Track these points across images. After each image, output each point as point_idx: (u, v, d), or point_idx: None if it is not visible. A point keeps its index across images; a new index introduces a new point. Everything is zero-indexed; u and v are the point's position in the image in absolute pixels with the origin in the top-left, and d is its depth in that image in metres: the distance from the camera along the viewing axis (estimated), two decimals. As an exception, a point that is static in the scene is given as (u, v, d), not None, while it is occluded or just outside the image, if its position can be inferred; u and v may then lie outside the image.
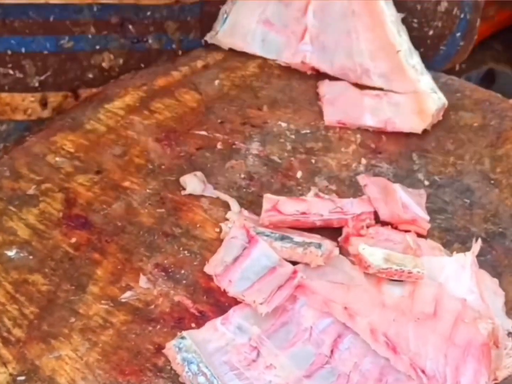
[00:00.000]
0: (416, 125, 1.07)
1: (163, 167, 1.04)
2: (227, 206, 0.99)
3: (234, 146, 1.07)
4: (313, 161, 1.05)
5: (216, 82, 1.15)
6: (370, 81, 1.11)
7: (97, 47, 1.23)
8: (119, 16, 1.21)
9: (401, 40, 1.10)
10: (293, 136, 1.08)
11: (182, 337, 0.84)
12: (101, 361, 0.85)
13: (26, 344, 0.86)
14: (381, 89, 1.11)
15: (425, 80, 1.08)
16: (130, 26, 1.22)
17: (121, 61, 1.24)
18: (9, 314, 0.88)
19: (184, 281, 0.92)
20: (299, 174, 1.04)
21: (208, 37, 1.14)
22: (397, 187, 0.98)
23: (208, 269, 0.90)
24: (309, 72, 1.12)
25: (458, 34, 1.27)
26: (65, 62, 1.22)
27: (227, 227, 0.95)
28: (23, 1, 1.16)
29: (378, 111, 1.09)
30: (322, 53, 1.11)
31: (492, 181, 1.03)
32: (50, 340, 0.86)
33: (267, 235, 0.91)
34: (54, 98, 1.25)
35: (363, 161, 1.05)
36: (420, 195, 0.98)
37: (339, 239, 0.94)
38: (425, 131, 1.08)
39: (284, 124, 1.10)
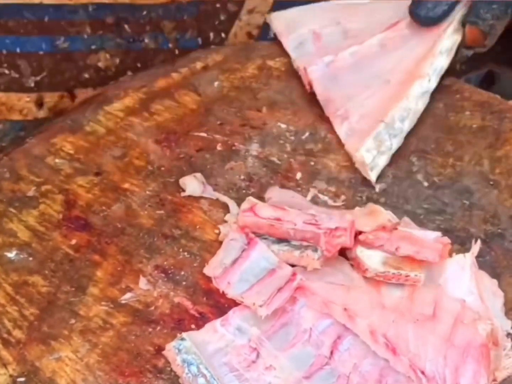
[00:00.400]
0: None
1: (162, 168, 1.04)
2: (226, 208, 0.99)
3: (233, 148, 1.07)
4: (312, 162, 1.05)
5: (216, 83, 1.15)
6: None
7: (93, 47, 1.23)
8: (114, 16, 1.21)
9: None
10: (292, 138, 1.08)
11: (182, 339, 0.84)
12: (101, 363, 0.85)
13: (26, 346, 0.86)
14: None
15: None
16: (126, 26, 1.22)
17: (117, 60, 1.24)
18: (9, 316, 0.88)
19: (184, 283, 0.92)
20: (298, 175, 1.04)
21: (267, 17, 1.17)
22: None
23: (208, 271, 0.90)
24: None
25: None
26: (60, 62, 1.22)
27: (226, 229, 0.96)
28: (17, 1, 1.16)
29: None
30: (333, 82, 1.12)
31: (491, 182, 1.03)
32: (50, 342, 0.86)
33: (265, 238, 0.91)
34: (50, 98, 1.25)
35: (363, 162, 1.05)
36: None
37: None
38: (424, 133, 1.08)
39: (283, 126, 1.10)
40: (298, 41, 1.16)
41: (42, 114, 1.25)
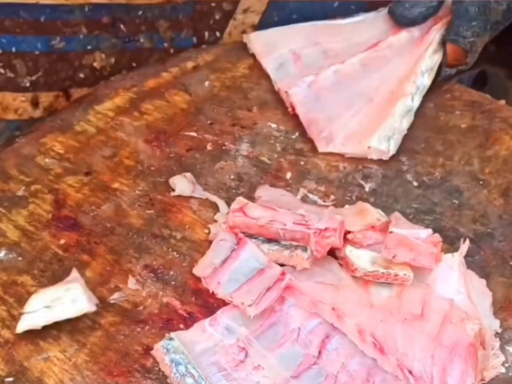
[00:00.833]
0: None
1: (152, 168, 1.04)
2: (216, 207, 0.99)
3: (223, 147, 1.07)
4: (302, 162, 1.05)
5: (206, 83, 1.15)
6: None
7: (89, 47, 1.22)
8: (110, 16, 1.21)
9: None
10: (282, 137, 1.08)
11: (170, 338, 0.84)
12: (89, 362, 0.85)
13: (15, 346, 0.86)
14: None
15: None
16: (122, 26, 1.22)
17: (112, 60, 1.24)
18: (-3, 316, 0.89)
19: (173, 282, 0.92)
20: (288, 175, 1.04)
21: (244, 37, 1.15)
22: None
23: (197, 271, 0.90)
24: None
25: None
26: (56, 62, 1.22)
27: (216, 229, 0.96)
28: (14, 1, 1.16)
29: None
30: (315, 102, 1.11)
31: (481, 182, 1.03)
32: (39, 342, 0.86)
33: (255, 238, 0.91)
34: (45, 98, 1.25)
35: (352, 162, 1.05)
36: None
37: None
38: (414, 132, 1.08)
39: (273, 125, 1.10)
40: (278, 62, 1.15)
41: (37, 113, 1.25)
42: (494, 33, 1.12)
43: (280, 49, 1.16)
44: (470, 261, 0.93)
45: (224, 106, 1.12)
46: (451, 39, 1.10)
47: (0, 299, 0.90)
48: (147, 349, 0.86)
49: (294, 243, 0.91)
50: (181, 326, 0.88)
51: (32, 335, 0.87)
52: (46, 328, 0.87)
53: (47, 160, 1.04)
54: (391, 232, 0.93)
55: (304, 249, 0.90)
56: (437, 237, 0.94)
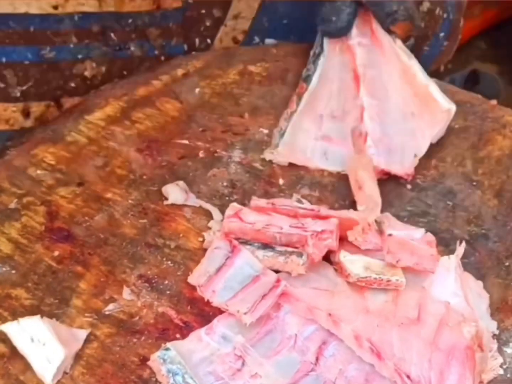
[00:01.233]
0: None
1: (145, 177, 1.03)
2: (210, 215, 0.99)
3: (216, 154, 1.07)
4: (295, 168, 1.05)
5: (197, 90, 1.15)
6: None
7: (79, 56, 1.22)
8: (100, 25, 1.21)
9: None
10: (275, 143, 1.08)
11: (167, 349, 0.84)
12: (85, 375, 0.85)
13: (10, 360, 0.86)
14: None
15: None
16: (112, 34, 1.22)
17: (103, 69, 1.24)
18: (-8, 330, 0.88)
19: (168, 292, 0.91)
20: (281, 181, 1.04)
21: (266, 155, 1.06)
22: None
23: (192, 280, 0.90)
24: (378, 177, 1.02)
25: (442, 35, 1.27)
26: (47, 72, 1.22)
27: (210, 236, 0.95)
28: (3, 11, 1.16)
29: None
30: (389, 155, 1.05)
31: (474, 183, 1.03)
32: (34, 355, 0.86)
33: (250, 244, 0.91)
34: (36, 107, 1.25)
35: (346, 166, 1.05)
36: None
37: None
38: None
39: (266, 131, 1.10)
40: (321, 153, 1.08)
41: (28, 123, 1.25)
42: None
43: (309, 143, 1.09)
44: (466, 263, 0.93)
45: (215, 113, 1.12)
46: (387, 25, 1.09)
47: (-6, 313, 0.90)
48: (144, 360, 0.85)
49: (289, 249, 0.91)
50: (177, 335, 0.87)
51: (27, 348, 0.86)
52: (41, 341, 0.86)
53: (38, 171, 1.04)
54: (390, 235, 0.92)
55: (299, 254, 0.90)
56: (430, 236, 0.94)
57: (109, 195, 1.01)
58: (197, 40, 1.27)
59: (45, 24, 1.18)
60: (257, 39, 1.28)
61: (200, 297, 0.89)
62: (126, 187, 1.02)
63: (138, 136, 1.08)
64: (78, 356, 0.86)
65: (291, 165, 1.06)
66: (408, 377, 0.81)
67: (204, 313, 0.89)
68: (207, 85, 1.16)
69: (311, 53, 1.13)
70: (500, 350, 0.87)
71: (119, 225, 0.98)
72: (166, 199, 1.01)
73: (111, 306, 0.90)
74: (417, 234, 0.94)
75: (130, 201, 1.01)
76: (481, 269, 0.94)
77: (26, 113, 1.25)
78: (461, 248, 0.93)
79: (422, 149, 1.05)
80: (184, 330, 0.88)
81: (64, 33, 1.20)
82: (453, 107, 1.07)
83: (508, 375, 0.85)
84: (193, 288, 0.90)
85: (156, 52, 1.26)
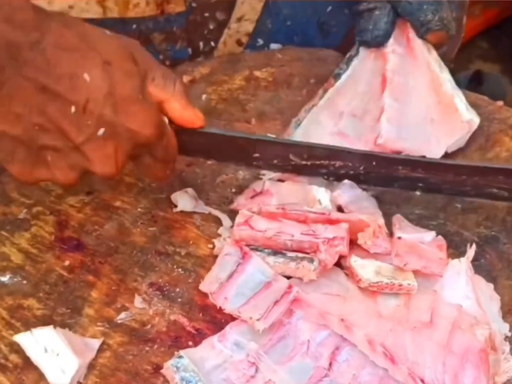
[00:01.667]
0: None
1: (153, 185, 1.03)
2: (219, 222, 0.99)
3: (224, 161, 1.07)
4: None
5: (204, 96, 1.15)
6: None
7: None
8: (105, 31, 1.21)
9: None
10: (282, 148, 1.08)
11: (180, 356, 0.84)
12: (99, 384, 0.85)
13: (24, 370, 0.86)
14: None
15: None
16: (116, 40, 1.22)
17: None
18: (5, 341, 0.88)
19: (179, 299, 0.92)
20: (289, 186, 1.03)
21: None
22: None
23: (204, 287, 0.90)
24: None
25: None
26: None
27: (220, 243, 0.95)
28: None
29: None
30: None
31: (483, 185, 1.03)
32: (48, 365, 0.86)
33: (260, 251, 0.91)
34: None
35: (354, 170, 1.05)
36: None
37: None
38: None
39: (273, 136, 1.10)
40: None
41: None
42: None
43: (323, 138, 1.07)
44: (476, 265, 0.93)
45: (222, 119, 1.12)
46: (421, 34, 1.09)
47: (7, 324, 0.90)
48: (157, 368, 0.85)
49: (300, 254, 0.91)
50: (190, 343, 0.88)
51: (40, 359, 0.86)
52: (54, 351, 0.87)
53: (47, 181, 1.04)
54: (399, 237, 0.92)
55: (310, 260, 0.90)
56: (441, 239, 0.94)
57: (118, 204, 1.01)
58: (201, 44, 1.27)
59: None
60: (261, 41, 1.28)
61: (212, 304, 0.89)
62: (135, 195, 1.02)
63: (146, 144, 1.08)
64: (91, 366, 0.86)
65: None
66: (422, 381, 0.81)
67: (216, 320, 0.89)
68: (213, 91, 1.16)
69: (347, 54, 1.13)
70: (512, 352, 0.87)
71: (129, 233, 0.98)
72: (175, 206, 1.01)
73: (123, 315, 0.90)
74: (427, 237, 0.94)
75: (139, 209, 1.01)
76: (492, 272, 0.94)
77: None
78: (471, 251, 0.93)
79: (435, 156, 1.05)
80: (197, 338, 0.88)
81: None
82: (476, 119, 1.07)
83: (521, 377, 0.85)
84: (204, 295, 0.90)
85: (161, 56, 1.26)
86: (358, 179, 1.00)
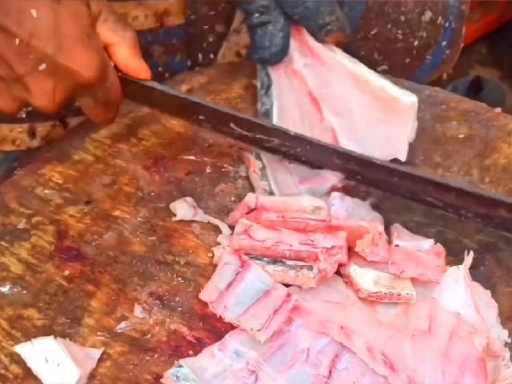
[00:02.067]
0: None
1: (152, 194, 1.04)
2: (218, 230, 0.99)
3: (222, 169, 1.07)
4: (302, 180, 1.05)
5: (202, 105, 1.15)
6: None
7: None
8: (104, 44, 1.21)
9: None
10: (281, 156, 1.08)
11: (180, 366, 0.84)
12: (99, 394, 0.85)
13: (24, 381, 0.86)
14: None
15: None
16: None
17: (108, 87, 1.24)
18: (5, 351, 0.88)
19: (179, 309, 0.92)
20: (288, 194, 1.04)
21: None
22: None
23: (203, 296, 0.90)
24: None
25: (444, 43, 1.27)
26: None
27: (219, 252, 0.96)
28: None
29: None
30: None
31: (481, 192, 1.03)
32: (48, 375, 0.86)
33: (260, 259, 0.91)
34: (42, 127, 1.25)
35: (352, 178, 1.05)
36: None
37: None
38: (412, 145, 1.08)
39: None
40: None
41: (35, 143, 1.25)
42: None
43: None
44: (475, 272, 0.93)
45: (221, 127, 1.12)
46: (322, 37, 1.08)
47: (7, 334, 0.90)
48: (157, 378, 0.85)
49: (299, 262, 0.91)
50: (190, 352, 0.88)
51: (41, 369, 0.86)
52: (54, 361, 0.87)
53: (46, 191, 1.04)
54: (396, 245, 0.93)
55: (310, 268, 0.90)
56: (439, 247, 0.94)
57: (117, 213, 1.02)
58: (200, 56, 1.28)
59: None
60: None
61: (212, 313, 0.89)
62: (134, 204, 1.03)
63: (144, 153, 1.09)
64: (91, 376, 0.86)
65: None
66: (422, 388, 0.81)
67: (216, 329, 0.89)
68: (212, 100, 1.16)
69: (259, 85, 1.12)
70: (512, 359, 0.87)
71: (128, 243, 0.98)
72: (175, 215, 1.01)
73: (123, 324, 0.90)
74: (426, 244, 0.94)
75: (138, 218, 1.01)
76: (491, 278, 0.94)
77: (32, 133, 1.25)
78: (469, 258, 0.93)
79: (403, 152, 1.04)
80: (197, 347, 0.88)
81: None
82: (414, 99, 1.05)
83: (522, 384, 0.85)
84: (204, 304, 0.90)
85: (160, 69, 1.26)
86: (300, 160, 1.02)
